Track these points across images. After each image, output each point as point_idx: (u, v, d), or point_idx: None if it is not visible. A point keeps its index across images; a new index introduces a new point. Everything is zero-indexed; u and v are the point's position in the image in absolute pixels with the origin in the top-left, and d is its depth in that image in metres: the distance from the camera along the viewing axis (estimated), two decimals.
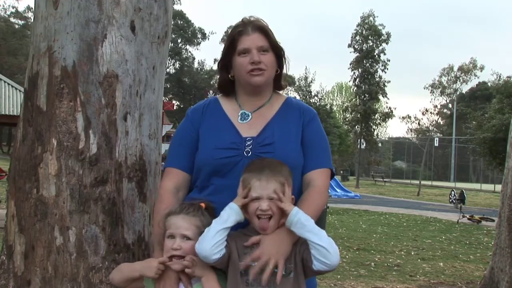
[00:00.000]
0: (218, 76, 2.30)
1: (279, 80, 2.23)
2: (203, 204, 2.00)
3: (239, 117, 2.15)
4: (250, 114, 2.15)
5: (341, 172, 40.46)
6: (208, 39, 56.42)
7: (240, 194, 1.90)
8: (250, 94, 2.17)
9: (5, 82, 13.37)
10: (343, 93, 64.98)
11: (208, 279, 1.89)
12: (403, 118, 59.26)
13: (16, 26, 49.82)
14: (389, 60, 35.14)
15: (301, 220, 1.84)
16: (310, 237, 1.83)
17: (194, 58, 58.26)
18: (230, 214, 1.87)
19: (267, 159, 1.97)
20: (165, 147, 5.25)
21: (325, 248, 1.81)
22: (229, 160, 2.03)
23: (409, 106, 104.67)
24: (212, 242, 1.83)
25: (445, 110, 63.65)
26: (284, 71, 2.23)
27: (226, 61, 2.17)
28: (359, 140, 35.42)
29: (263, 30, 2.12)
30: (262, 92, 2.18)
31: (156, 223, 2.06)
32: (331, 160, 2.21)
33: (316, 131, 2.17)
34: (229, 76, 2.18)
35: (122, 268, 2.05)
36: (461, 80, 55.94)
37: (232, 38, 2.13)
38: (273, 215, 1.87)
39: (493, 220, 12.36)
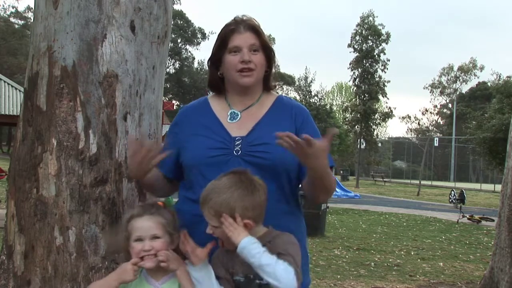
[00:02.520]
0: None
1: (269, 80, 2.21)
2: (161, 203, 2.01)
3: (228, 116, 2.14)
4: (239, 113, 2.14)
5: (341, 172, 40.45)
6: (208, 39, 56.29)
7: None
8: (239, 93, 2.16)
9: (5, 82, 13.39)
10: (343, 93, 65.00)
11: (183, 271, 1.90)
12: (403, 118, 59.11)
13: (16, 26, 49.82)
14: (388, 60, 35.21)
15: (248, 258, 1.75)
16: (259, 273, 1.75)
17: (194, 58, 58.27)
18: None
19: (207, 188, 1.89)
20: None
21: (273, 284, 1.73)
22: (218, 159, 2.03)
23: (409, 106, 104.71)
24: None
25: (445, 110, 63.59)
26: (273, 71, 2.22)
27: (216, 59, 2.16)
28: (359, 140, 35.41)
29: (255, 30, 2.13)
30: (251, 92, 2.17)
31: None
32: (329, 155, 2.17)
33: (312, 132, 2.13)
34: (219, 73, 2.17)
35: (95, 286, 2.03)
36: (461, 80, 55.89)
37: (224, 36, 2.12)
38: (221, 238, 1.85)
39: (493, 220, 12.36)
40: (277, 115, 2.15)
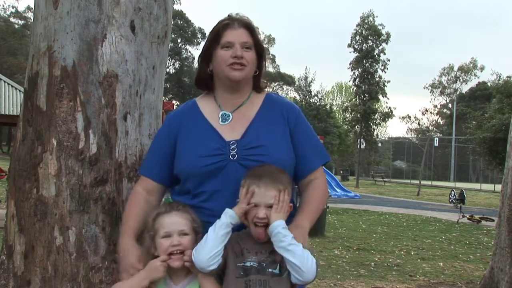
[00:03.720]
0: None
1: (259, 81, 2.20)
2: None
3: (220, 118, 2.11)
4: (230, 114, 2.12)
5: (341, 172, 40.46)
6: None
7: (241, 200, 1.89)
8: (229, 91, 2.14)
9: (5, 82, 13.38)
10: (343, 93, 64.97)
11: (205, 275, 1.90)
12: (403, 118, 59.09)
13: (16, 26, 49.82)
14: (389, 60, 35.20)
15: (278, 236, 1.83)
16: (283, 253, 1.83)
17: (194, 58, 58.09)
18: (223, 220, 1.87)
19: (267, 166, 1.95)
20: None
21: (297, 266, 1.82)
22: (215, 166, 2.01)
23: (409, 106, 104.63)
24: (209, 254, 1.84)
25: (445, 110, 63.55)
26: (264, 71, 2.22)
27: (207, 54, 2.14)
28: (359, 140, 35.39)
29: (249, 27, 2.12)
30: (241, 89, 2.14)
31: (128, 228, 2.10)
32: (325, 150, 2.25)
33: (306, 129, 2.16)
34: (208, 70, 2.15)
35: (123, 287, 2.01)
36: (461, 80, 55.88)
37: (217, 31, 2.11)
38: (270, 224, 1.86)
39: (493, 220, 12.36)
40: (268, 115, 2.13)
